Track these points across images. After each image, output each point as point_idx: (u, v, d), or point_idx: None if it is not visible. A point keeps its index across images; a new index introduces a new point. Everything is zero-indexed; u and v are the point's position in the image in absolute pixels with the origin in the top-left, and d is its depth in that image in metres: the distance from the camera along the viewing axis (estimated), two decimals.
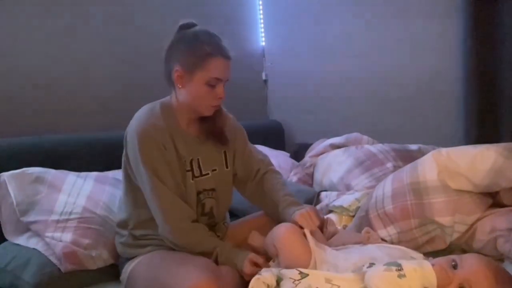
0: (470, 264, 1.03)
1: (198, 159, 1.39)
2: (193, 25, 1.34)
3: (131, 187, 1.38)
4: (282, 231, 1.22)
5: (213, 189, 1.41)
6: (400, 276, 0.98)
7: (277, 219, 1.41)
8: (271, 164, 1.57)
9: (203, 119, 1.41)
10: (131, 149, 1.32)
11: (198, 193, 1.38)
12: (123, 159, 1.39)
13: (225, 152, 1.46)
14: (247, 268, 1.25)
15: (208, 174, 1.40)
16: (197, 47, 1.28)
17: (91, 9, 2.11)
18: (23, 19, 1.90)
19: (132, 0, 2.28)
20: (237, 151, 1.50)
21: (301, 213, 1.32)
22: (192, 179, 1.36)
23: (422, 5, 2.25)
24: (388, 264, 1.03)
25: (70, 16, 2.04)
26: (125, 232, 1.40)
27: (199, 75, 1.28)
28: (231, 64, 1.33)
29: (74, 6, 2.05)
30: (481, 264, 1.02)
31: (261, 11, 2.94)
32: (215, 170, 1.43)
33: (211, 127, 1.41)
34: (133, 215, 1.39)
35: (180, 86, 1.32)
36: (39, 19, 1.94)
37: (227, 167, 1.47)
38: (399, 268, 1.00)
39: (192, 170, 1.37)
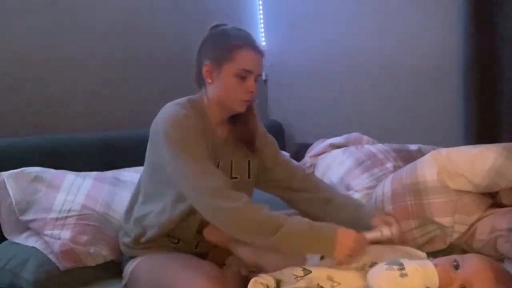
0: (471, 264, 1.02)
1: (218, 162, 1.32)
2: (224, 25, 1.33)
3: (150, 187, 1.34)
4: None
5: None
6: (402, 276, 0.98)
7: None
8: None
9: (234, 121, 1.36)
10: (160, 135, 1.24)
11: None
12: (146, 158, 1.35)
13: (249, 161, 1.40)
14: None
15: None
16: (225, 40, 1.27)
17: (89, 9, 2.11)
18: (21, 13, 1.89)
19: (132, 0, 2.29)
20: (267, 158, 1.44)
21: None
22: None
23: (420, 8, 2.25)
24: (390, 263, 1.02)
25: (69, 14, 2.04)
26: (131, 233, 1.38)
27: (227, 67, 1.25)
28: (262, 60, 1.30)
29: (73, 5, 2.06)
30: (482, 264, 1.02)
31: (261, 11, 2.94)
32: (235, 178, 1.36)
33: (243, 130, 1.37)
34: (146, 219, 1.33)
35: (209, 81, 1.29)
36: (38, 14, 1.95)
37: (249, 178, 1.40)
38: (401, 267, 1.00)
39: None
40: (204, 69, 1.29)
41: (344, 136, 2.38)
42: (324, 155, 2.31)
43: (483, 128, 2.05)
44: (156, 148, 1.28)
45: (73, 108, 2.04)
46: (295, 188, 1.45)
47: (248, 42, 1.28)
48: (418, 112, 2.33)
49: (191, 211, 1.25)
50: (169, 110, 1.28)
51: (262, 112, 2.97)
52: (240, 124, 1.37)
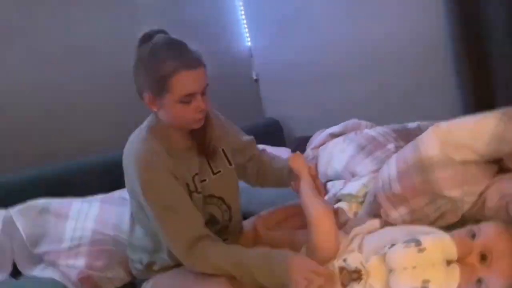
0: (487, 231, 1.03)
1: (195, 174, 1.31)
2: (153, 34, 1.20)
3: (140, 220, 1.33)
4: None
5: (212, 195, 1.36)
6: (420, 251, 0.99)
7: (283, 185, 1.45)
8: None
9: (192, 133, 1.32)
10: (133, 182, 1.23)
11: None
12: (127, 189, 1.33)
13: (223, 150, 1.40)
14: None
15: (205, 180, 1.34)
16: (157, 68, 1.15)
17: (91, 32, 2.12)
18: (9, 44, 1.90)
19: (112, 6, 2.26)
20: (234, 144, 1.46)
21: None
22: (197, 193, 1.31)
23: None
24: (407, 241, 1.03)
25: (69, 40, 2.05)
26: (142, 262, 1.37)
27: (167, 97, 1.17)
28: (204, 70, 1.21)
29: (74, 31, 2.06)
30: (498, 230, 1.03)
31: (242, 12, 2.94)
32: (219, 172, 1.38)
33: (201, 140, 1.33)
34: (147, 240, 1.34)
35: (155, 109, 1.23)
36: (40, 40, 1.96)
37: (230, 165, 1.41)
38: (418, 243, 1.00)
39: (196, 188, 1.30)
40: (146, 99, 1.22)
41: (342, 124, 2.38)
42: (325, 145, 2.31)
43: (479, 96, 2.05)
44: (133, 190, 1.26)
45: (71, 134, 2.04)
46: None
47: (181, 63, 1.15)
48: (413, 90, 2.33)
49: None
50: (136, 150, 1.24)
51: (258, 111, 2.98)
52: (198, 134, 1.32)
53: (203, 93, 1.21)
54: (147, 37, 1.20)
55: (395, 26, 2.31)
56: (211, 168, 1.37)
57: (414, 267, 0.98)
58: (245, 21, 2.95)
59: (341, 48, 2.54)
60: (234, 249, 1.23)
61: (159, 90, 1.17)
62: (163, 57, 1.16)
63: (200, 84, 1.19)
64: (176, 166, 1.24)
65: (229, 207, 1.39)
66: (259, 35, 2.94)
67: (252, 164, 1.52)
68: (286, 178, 1.44)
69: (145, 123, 1.31)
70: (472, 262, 1.01)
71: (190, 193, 1.28)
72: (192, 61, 1.18)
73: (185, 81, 1.16)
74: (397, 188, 1.52)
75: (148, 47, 1.19)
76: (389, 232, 1.20)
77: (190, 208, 1.24)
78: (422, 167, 1.49)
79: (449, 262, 1.00)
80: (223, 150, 1.41)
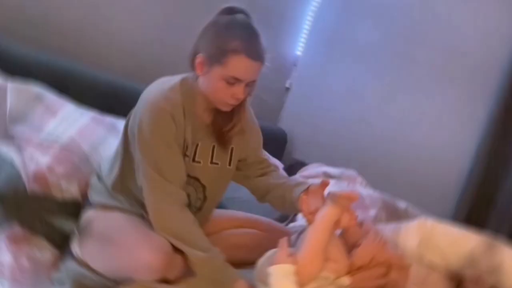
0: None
1: (197, 144, 1.31)
2: (237, 11, 1.23)
3: (126, 152, 1.32)
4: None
5: (197, 179, 1.34)
6: None
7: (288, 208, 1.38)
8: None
9: (219, 111, 1.32)
10: (139, 115, 1.24)
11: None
12: (127, 119, 1.34)
13: (232, 148, 1.38)
14: None
15: (199, 162, 1.33)
16: (223, 39, 1.18)
17: None
18: None
19: None
20: (249, 150, 1.44)
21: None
22: (193, 161, 1.31)
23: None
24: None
25: None
26: (101, 182, 1.39)
27: (217, 69, 1.19)
28: (260, 66, 1.22)
29: None
30: None
31: (308, 21, 2.92)
32: (216, 164, 1.36)
33: (223, 122, 1.33)
34: (114, 175, 1.34)
35: (199, 73, 1.24)
36: None
37: (229, 165, 1.39)
38: None
39: (195, 155, 1.31)
40: (197, 60, 1.22)
41: (340, 170, 2.38)
42: (315, 179, 2.30)
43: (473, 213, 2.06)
44: (134, 118, 1.27)
45: (97, 43, 2.02)
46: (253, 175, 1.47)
47: (246, 48, 1.17)
48: (418, 178, 2.33)
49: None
50: (159, 90, 1.25)
51: (272, 117, 2.97)
52: (223, 116, 1.32)
53: (247, 85, 1.23)
54: (229, 10, 1.22)
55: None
56: (212, 156, 1.35)
57: None
58: (306, 31, 2.94)
59: (380, 108, 2.55)
60: (195, 231, 1.23)
61: (214, 58, 1.19)
62: (235, 35, 1.18)
63: (250, 75, 1.21)
64: (185, 126, 1.26)
65: (204, 198, 1.38)
66: (311, 50, 2.93)
67: (260, 181, 1.47)
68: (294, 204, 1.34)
69: (180, 75, 1.31)
70: None
71: (184, 155, 1.28)
72: (256, 53, 1.20)
73: (240, 65, 1.18)
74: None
75: (227, 19, 1.21)
76: None
77: (177, 166, 1.25)
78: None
79: None
80: (232, 148, 1.39)
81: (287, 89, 2.98)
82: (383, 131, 2.50)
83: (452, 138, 2.25)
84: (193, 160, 1.32)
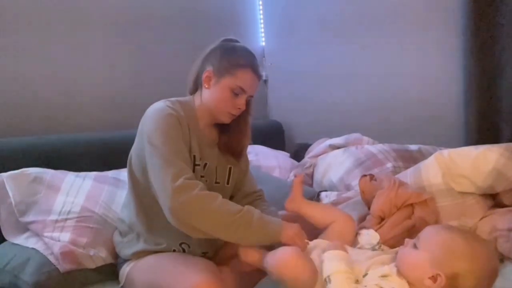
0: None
1: (206, 163, 1.37)
2: (236, 41, 1.42)
3: (136, 192, 1.36)
4: (287, 257, 1.11)
5: None
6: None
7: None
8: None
9: (223, 130, 1.43)
10: (145, 125, 1.29)
11: None
12: (129, 157, 1.37)
13: (230, 168, 1.46)
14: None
15: (206, 181, 1.37)
16: (233, 56, 1.35)
17: (92, 9, 2.11)
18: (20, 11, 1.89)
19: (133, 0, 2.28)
20: (241, 170, 1.51)
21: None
22: (200, 176, 1.34)
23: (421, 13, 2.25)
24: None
25: (70, 19, 2.04)
26: (125, 236, 1.40)
27: (227, 80, 1.33)
28: (259, 84, 1.38)
29: (75, 6, 2.05)
30: (432, 226, 1.08)
31: (261, 11, 2.94)
32: (218, 183, 1.41)
33: (231, 138, 1.43)
34: (135, 222, 1.37)
35: (206, 86, 1.36)
36: (40, 9, 1.94)
37: (227, 183, 1.45)
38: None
39: (200, 166, 1.35)
40: (205, 74, 1.36)
41: (344, 137, 2.38)
42: (324, 155, 2.31)
43: (483, 130, 2.05)
44: (142, 133, 1.31)
45: (73, 109, 2.04)
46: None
47: (252, 65, 1.35)
48: (418, 113, 2.33)
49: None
50: (156, 106, 1.34)
51: (262, 112, 2.98)
52: (230, 133, 1.43)
53: (247, 99, 1.37)
54: (229, 40, 1.41)
55: (409, 43, 2.31)
56: (216, 176, 1.41)
57: None
58: (262, 21, 2.95)
59: (352, 61, 2.54)
60: (220, 205, 1.20)
61: (225, 70, 1.33)
62: (242, 54, 1.37)
63: (253, 89, 1.37)
64: (190, 137, 1.32)
65: None
66: (273, 37, 2.95)
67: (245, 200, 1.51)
68: None
69: (174, 98, 1.40)
70: (404, 252, 1.04)
71: (194, 165, 1.33)
72: (259, 71, 1.39)
73: (247, 78, 1.34)
74: None
75: (231, 44, 1.39)
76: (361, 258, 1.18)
77: (188, 161, 1.27)
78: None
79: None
80: (230, 168, 1.46)
81: (265, 81, 2.99)
82: (372, 88, 2.51)
83: (438, 71, 2.25)
84: (203, 177, 1.36)
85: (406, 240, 1.07)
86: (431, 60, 2.25)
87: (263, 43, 2.97)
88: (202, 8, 2.50)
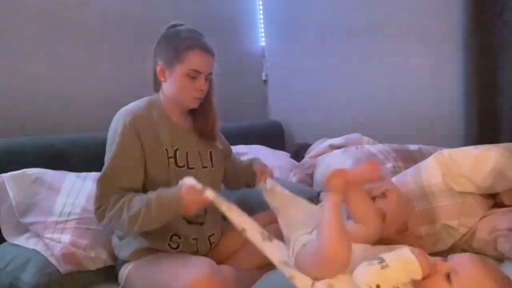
0: (461, 256, 1.02)
1: (186, 152, 1.40)
2: (180, 25, 1.41)
3: None
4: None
5: None
6: (383, 268, 0.97)
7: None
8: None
9: (195, 116, 1.46)
10: (108, 134, 1.36)
11: None
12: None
13: (210, 152, 1.49)
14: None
15: (193, 168, 1.41)
16: (176, 41, 1.34)
17: (87, 9, 2.10)
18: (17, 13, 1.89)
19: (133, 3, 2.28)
20: (222, 152, 1.56)
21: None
22: (177, 166, 1.38)
23: (421, 13, 2.25)
24: (371, 260, 1.02)
25: (69, 13, 2.03)
26: (122, 238, 1.41)
27: (178, 68, 1.34)
28: (213, 60, 1.38)
29: (72, 9, 2.05)
30: (473, 258, 1.00)
31: (261, 11, 2.94)
32: (205, 167, 1.46)
33: (203, 122, 1.46)
34: None
35: (163, 80, 1.38)
36: (38, 13, 1.94)
37: (213, 167, 1.49)
38: (381, 260, 0.99)
39: (175, 158, 1.38)
40: (158, 68, 1.38)
41: (344, 137, 2.38)
42: (324, 155, 2.31)
43: (483, 129, 2.04)
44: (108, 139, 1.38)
45: (73, 109, 2.04)
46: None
47: (198, 43, 1.34)
48: (418, 112, 2.33)
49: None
50: (122, 110, 1.39)
51: (262, 112, 2.98)
52: (200, 117, 1.46)
53: (206, 78, 1.38)
54: (173, 26, 1.41)
55: (409, 43, 2.31)
56: (201, 161, 1.45)
57: (378, 285, 0.97)
58: (262, 21, 2.94)
59: (352, 61, 2.54)
60: (135, 198, 1.28)
61: (173, 60, 1.34)
62: (184, 36, 1.36)
63: (207, 67, 1.36)
64: (157, 133, 1.36)
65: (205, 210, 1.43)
66: (273, 37, 2.94)
67: (229, 169, 1.61)
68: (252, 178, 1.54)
69: (144, 98, 1.45)
70: (436, 282, 0.98)
71: (168, 158, 1.36)
72: (207, 47, 1.36)
73: (196, 58, 1.34)
74: None
75: (174, 29, 1.39)
76: (367, 252, 1.18)
77: (134, 175, 1.32)
78: (423, 194, 1.50)
79: (415, 282, 0.98)
80: (210, 152, 1.50)
81: (265, 81, 2.99)
82: (372, 87, 2.50)
83: (438, 71, 2.24)
84: (188, 167, 1.39)
85: (437, 260, 1.01)
86: (431, 60, 2.25)
87: (263, 43, 2.97)
88: (202, 9, 2.51)
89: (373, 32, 2.43)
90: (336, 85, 2.64)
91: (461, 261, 1.00)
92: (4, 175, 1.54)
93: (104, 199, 1.28)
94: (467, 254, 1.05)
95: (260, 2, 2.93)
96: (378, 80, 2.46)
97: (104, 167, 1.31)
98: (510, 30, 1.92)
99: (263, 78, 2.98)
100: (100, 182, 1.30)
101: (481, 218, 1.47)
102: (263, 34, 2.96)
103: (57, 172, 1.63)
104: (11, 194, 1.50)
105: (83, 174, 1.69)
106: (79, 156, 1.81)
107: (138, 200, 1.25)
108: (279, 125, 2.86)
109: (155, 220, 1.24)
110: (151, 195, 1.26)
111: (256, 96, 2.95)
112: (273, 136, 2.79)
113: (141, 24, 2.28)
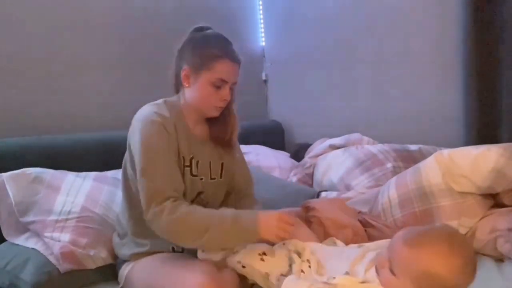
0: (393, 242, 0.97)
1: (198, 161, 1.36)
2: (207, 28, 1.36)
3: (129, 193, 1.36)
4: None
5: (200, 195, 1.38)
6: None
7: None
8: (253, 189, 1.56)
9: (212, 123, 1.41)
10: (132, 134, 1.30)
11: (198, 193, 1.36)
12: (123, 162, 1.37)
13: (222, 164, 1.44)
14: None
15: (202, 179, 1.37)
16: (205, 48, 1.30)
17: (88, 5, 2.11)
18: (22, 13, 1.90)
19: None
20: (236, 163, 1.49)
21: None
22: (191, 175, 1.34)
23: (420, 6, 2.25)
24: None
25: (69, 13, 2.04)
26: (123, 237, 1.40)
27: (205, 75, 1.30)
28: (239, 68, 1.34)
29: (73, 5, 2.05)
30: (399, 242, 0.95)
31: (261, 11, 2.94)
32: (214, 179, 1.41)
33: (220, 131, 1.41)
34: (130, 223, 1.37)
35: (186, 85, 1.33)
36: (39, 14, 1.94)
37: (221, 178, 1.44)
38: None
39: (190, 166, 1.34)
40: (183, 73, 1.33)
41: (344, 137, 2.38)
42: (324, 155, 2.31)
43: (483, 128, 2.04)
44: (131, 142, 1.31)
45: (73, 109, 2.04)
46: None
47: (227, 53, 1.31)
48: (418, 112, 2.33)
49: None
50: (142, 112, 1.33)
51: (262, 112, 2.98)
52: (218, 125, 1.41)
53: (231, 88, 1.34)
54: (199, 29, 1.36)
55: (409, 42, 2.31)
56: (210, 172, 1.40)
57: None
58: (262, 21, 2.94)
59: (353, 61, 2.54)
60: (202, 213, 1.22)
61: (199, 66, 1.30)
62: (214, 43, 1.32)
63: (234, 77, 1.33)
64: (178, 139, 1.31)
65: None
66: (273, 37, 2.94)
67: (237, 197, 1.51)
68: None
69: (161, 99, 1.39)
70: (386, 279, 0.95)
71: (184, 166, 1.33)
72: (236, 56, 1.33)
73: (225, 68, 1.30)
74: (398, 215, 1.52)
75: (202, 34, 1.34)
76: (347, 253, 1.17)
77: (173, 169, 1.27)
78: (423, 194, 1.50)
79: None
80: (222, 163, 1.44)
81: (265, 81, 2.99)
82: (372, 87, 2.50)
83: (438, 71, 2.23)
84: (197, 176, 1.36)
85: (380, 258, 0.98)
86: (431, 60, 2.25)
87: (263, 43, 2.97)
88: (201, 8, 2.51)
89: (373, 32, 2.43)
90: (336, 85, 2.64)
91: (395, 248, 0.95)
92: (4, 174, 1.55)
93: (158, 200, 1.20)
94: (400, 235, 0.96)
95: (260, 2, 2.93)
96: (378, 80, 2.46)
97: (139, 178, 1.24)
98: (509, 29, 1.92)
99: (263, 78, 2.98)
100: (143, 191, 1.22)
101: (481, 218, 1.46)
102: (263, 34, 2.96)
103: (56, 171, 1.64)
104: (10, 194, 1.50)
105: (83, 173, 1.69)
106: (79, 156, 1.81)
107: (203, 217, 1.19)
108: (279, 125, 2.86)
109: (225, 240, 1.19)
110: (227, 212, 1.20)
111: (256, 96, 2.95)
112: (273, 136, 2.79)
113: (141, 23, 2.29)
